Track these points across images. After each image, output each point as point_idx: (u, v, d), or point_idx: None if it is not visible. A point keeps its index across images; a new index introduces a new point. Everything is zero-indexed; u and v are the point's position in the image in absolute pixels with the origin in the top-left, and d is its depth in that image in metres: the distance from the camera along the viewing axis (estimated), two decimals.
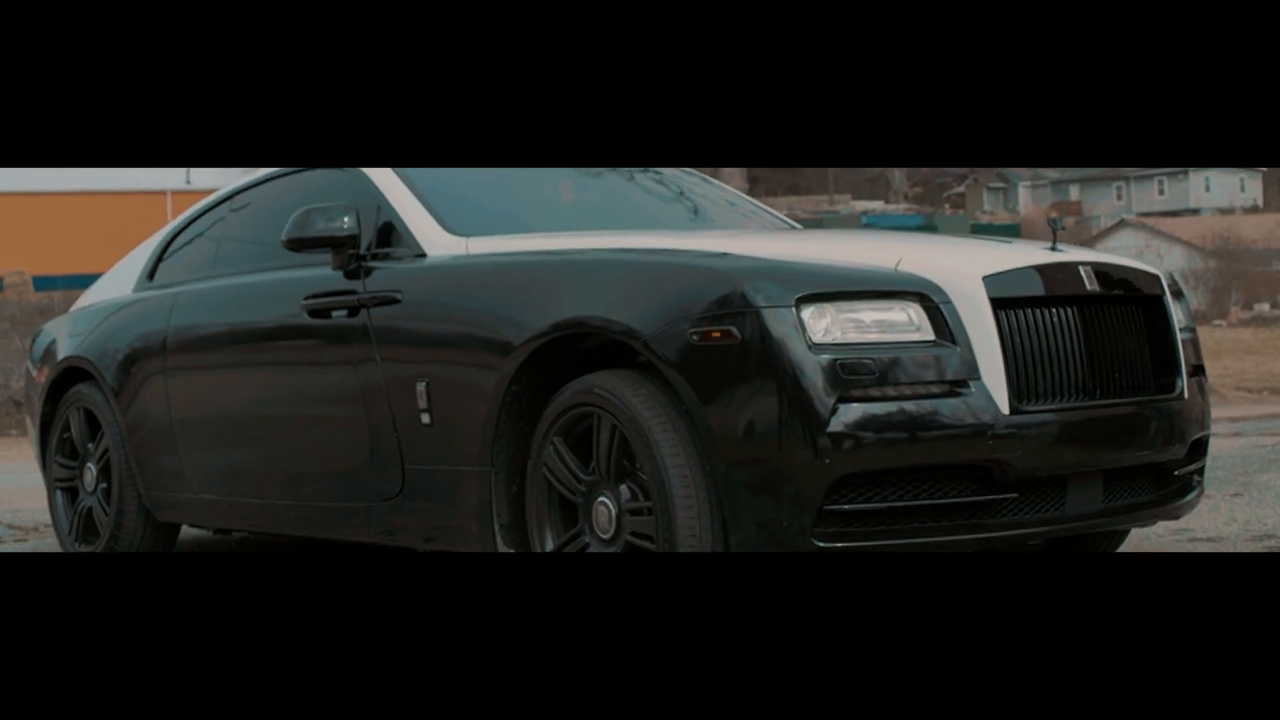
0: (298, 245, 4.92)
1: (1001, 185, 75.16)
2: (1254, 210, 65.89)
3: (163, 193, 27.13)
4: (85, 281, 7.74)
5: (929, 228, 43.24)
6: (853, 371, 3.84)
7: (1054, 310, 4.11)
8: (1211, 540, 5.73)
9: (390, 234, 4.94)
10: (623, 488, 4.12)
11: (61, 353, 6.37)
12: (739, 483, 3.88)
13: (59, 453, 6.34)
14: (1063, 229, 4.53)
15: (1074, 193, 73.13)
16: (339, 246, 4.89)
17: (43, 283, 22.29)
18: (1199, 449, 4.63)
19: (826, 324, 3.88)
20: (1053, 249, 4.30)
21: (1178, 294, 4.66)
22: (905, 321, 3.94)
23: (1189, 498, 4.57)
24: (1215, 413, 5.65)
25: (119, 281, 6.39)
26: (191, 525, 5.91)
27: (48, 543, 6.88)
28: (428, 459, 4.61)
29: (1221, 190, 68.91)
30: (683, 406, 3.98)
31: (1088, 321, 4.18)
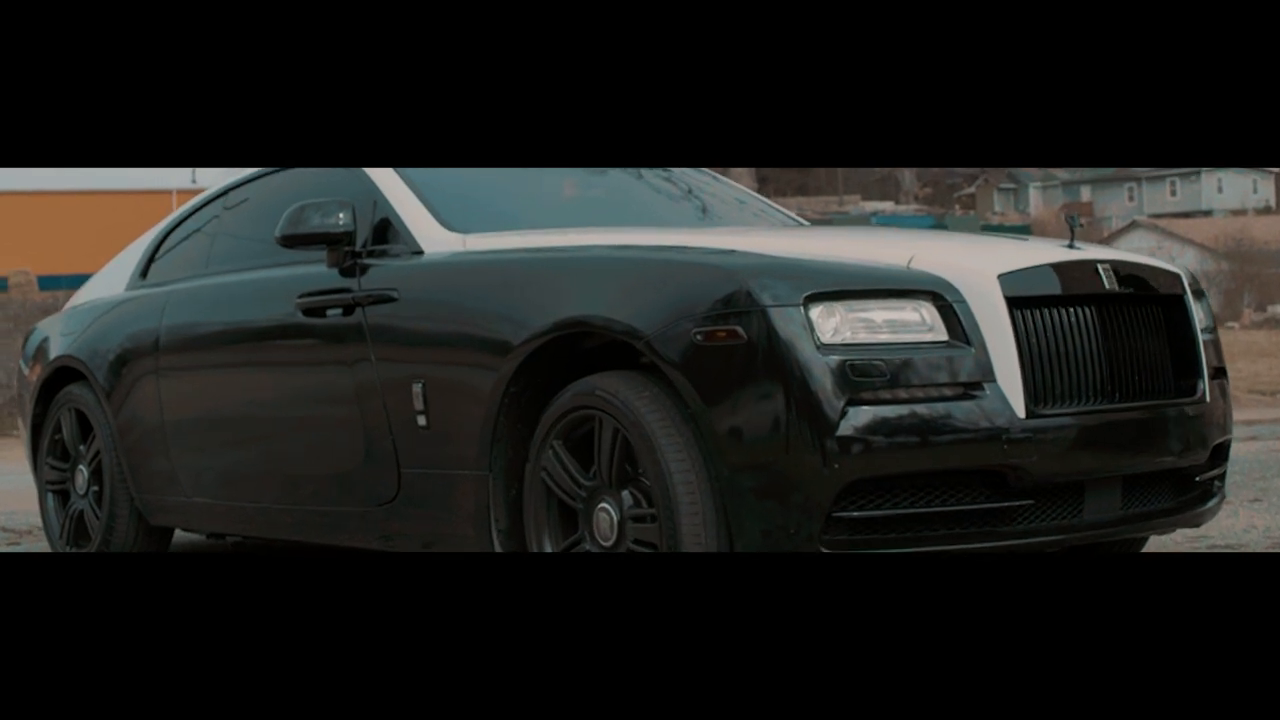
0: (292, 242, 4.82)
1: (1012, 186, 75.18)
2: (1266, 211, 65.83)
3: (168, 192, 27.08)
4: None
5: (939, 229, 43.14)
6: (863, 373, 3.74)
7: (1072, 310, 4.01)
8: (1230, 548, 5.63)
9: (387, 230, 4.84)
10: (625, 493, 4.02)
11: (53, 352, 6.29)
12: (745, 488, 3.78)
13: (50, 454, 6.25)
14: (1081, 226, 4.42)
15: (1085, 194, 73.09)
16: (334, 243, 4.79)
17: (47, 282, 22.30)
18: (1220, 454, 4.52)
19: (836, 324, 3.78)
20: (1071, 246, 4.21)
21: (1199, 294, 4.56)
22: (917, 321, 3.84)
23: (1210, 505, 4.46)
24: None
25: (112, 280, 6.30)
26: (184, 529, 5.81)
27: (41, 546, 6.79)
28: (424, 462, 4.52)
29: (1234, 192, 68.82)
30: (687, 409, 3.87)
31: (1107, 322, 4.08)
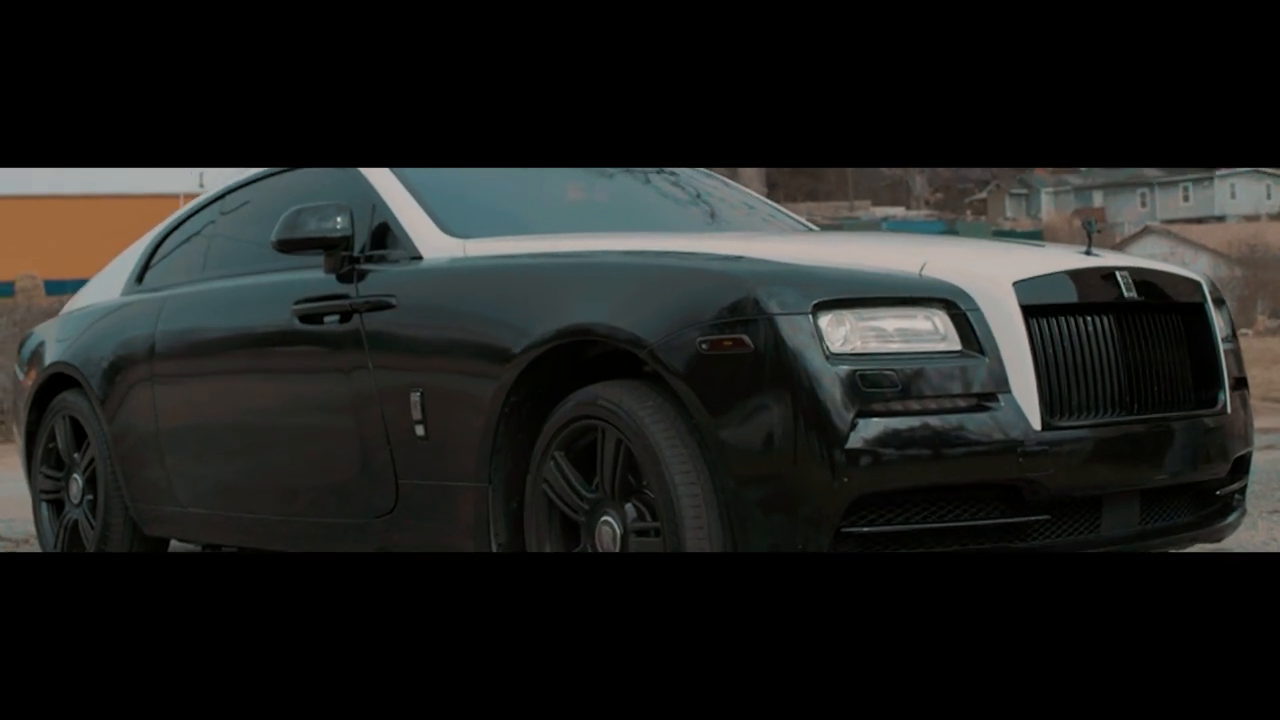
0: (288, 247, 4.73)
1: (1024, 191, 75.11)
2: None
3: (175, 196, 27.05)
4: None
5: (950, 234, 43.14)
6: (873, 384, 3.65)
7: (1089, 319, 3.93)
8: None
9: (385, 235, 4.75)
10: (628, 506, 3.93)
11: (48, 358, 6.21)
12: (751, 502, 3.69)
13: (44, 463, 6.17)
14: (1098, 230, 4.33)
15: (1097, 199, 73.00)
16: (331, 248, 4.70)
17: (54, 287, 22.25)
18: (1241, 467, 4.43)
19: (845, 332, 3.70)
20: (1087, 253, 4.14)
21: (1219, 301, 4.47)
22: (930, 330, 3.75)
23: (1230, 519, 4.38)
24: None
25: (108, 284, 6.23)
26: (180, 540, 5.73)
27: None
28: (422, 474, 4.43)
29: (1247, 197, 68.67)
30: (691, 420, 3.79)
31: (1125, 331, 3.99)
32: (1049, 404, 3.78)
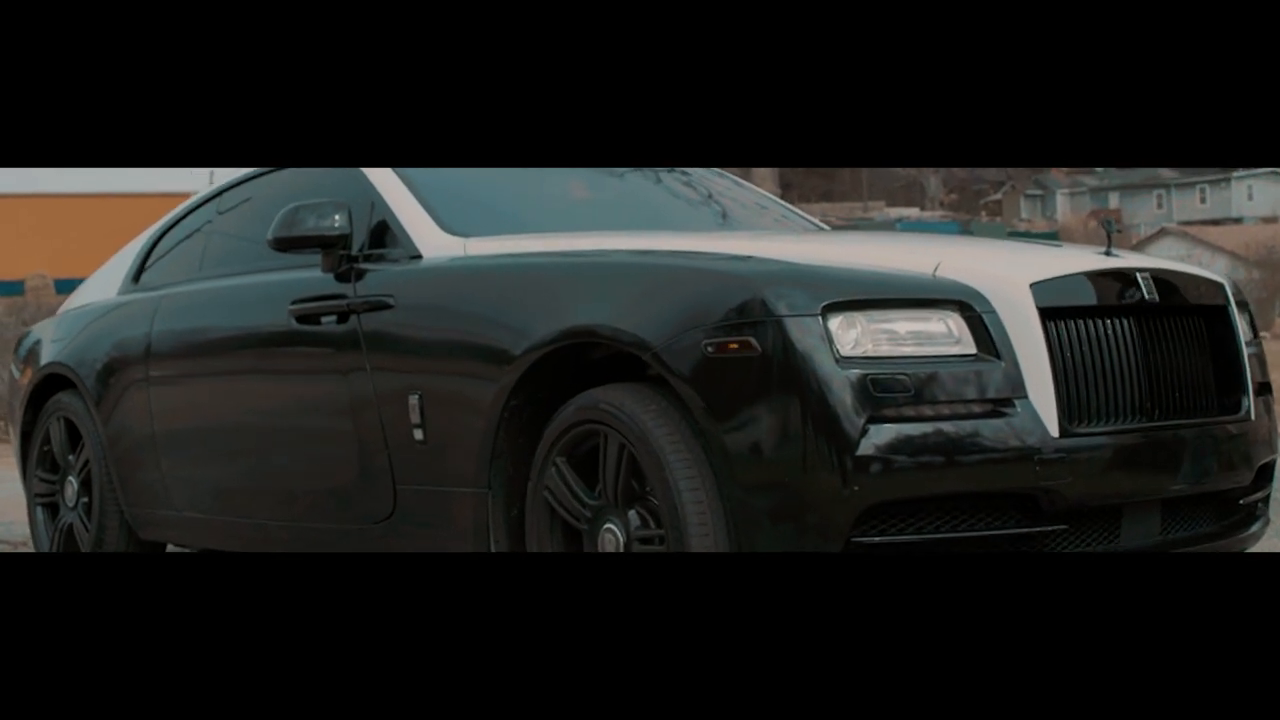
0: (285, 245, 4.64)
1: (1039, 192, 75.10)
2: None
3: (186, 195, 27.11)
4: None
5: (965, 234, 43.17)
6: (885, 388, 3.56)
7: (1109, 321, 3.85)
8: None
9: (384, 233, 4.66)
10: (631, 513, 3.84)
11: (43, 358, 6.13)
12: (758, 509, 3.60)
13: (40, 466, 6.09)
14: (1118, 231, 4.23)
15: (1113, 200, 72.95)
16: (329, 247, 4.60)
17: (65, 285, 22.24)
18: (1265, 475, 4.33)
19: (856, 335, 3.61)
20: (1107, 254, 4.05)
21: (1242, 305, 4.38)
22: (944, 333, 3.66)
23: (1254, 529, 4.28)
24: None
25: (105, 283, 6.15)
26: (176, 545, 5.64)
27: None
28: (420, 479, 4.34)
29: (1265, 198, 68.50)
30: (697, 425, 3.69)
31: (1146, 334, 3.91)
32: (1067, 410, 3.69)
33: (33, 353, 6.25)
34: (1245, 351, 4.19)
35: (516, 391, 4.07)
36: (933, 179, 67.92)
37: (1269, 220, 59.62)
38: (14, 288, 23.49)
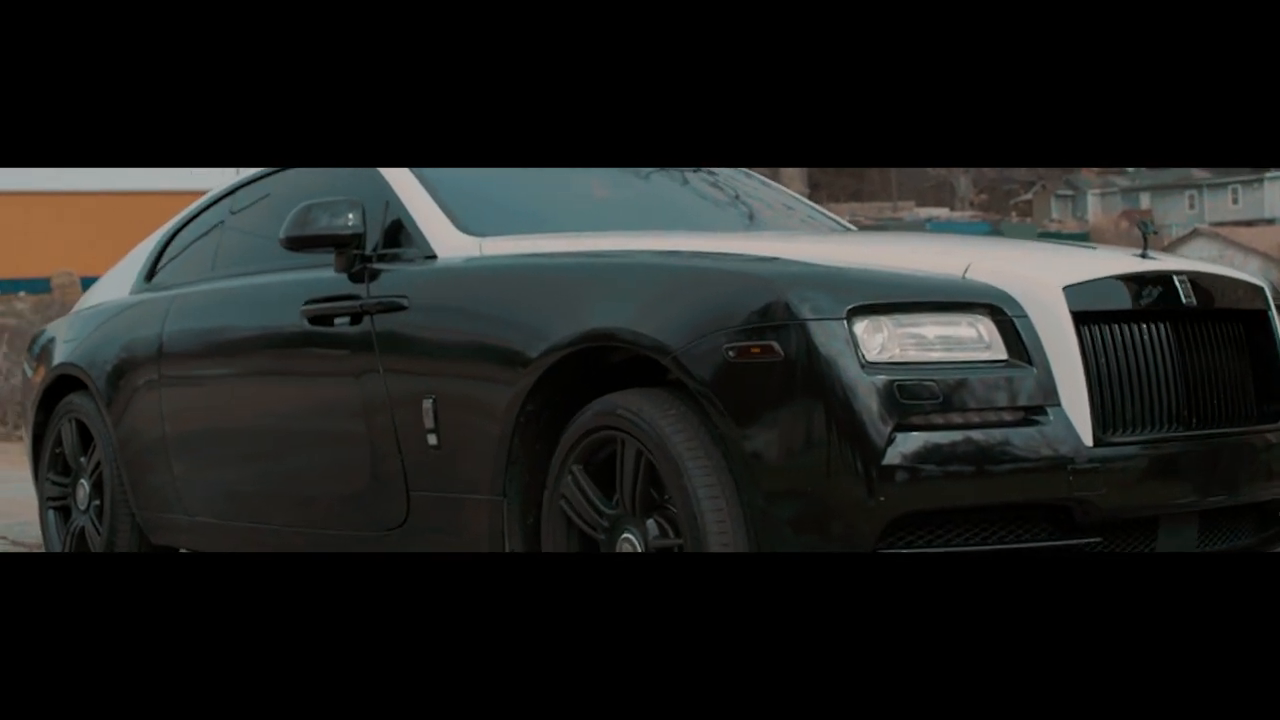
0: (297, 244, 4.56)
1: (1070, 193, 74.91)
2: None
3: None
4: None
5: (995, 235, 43.14)
6: (912, 395, 3.46)
7: (1145, 326, 3.76)
8: None
9: (399, 233, 4.59)
10: (649, 522, 3.75)
11: (56, 358, 6.07)
12: (780, 519, 3.52)
13: (51, 469, 6.03)
14: (1154, 233, 4.13)
15: (1145, 201, 72.73)
16: (342, 246, 4.52)
17: (91, 284, 22.35)
18: None
19: (883, 340, 3.52)
20: (1143, 256, 3.97)
21: None
22: (973, 338, 3.57)
23: None
24: None
25: (119, 282, 6.10)
26: (188, 549, 5.57)
27: None
28: (434, 485, 4.26)
29: None
30: (717, 431, 3.61)
31: (1183, 340, 3.82)
32: (1101, 418, 3.60)
33: (46, 352, 6.20)
34: None
35: (533, 396, 3.98)
36: (962, 179, 67.81)
37: None
38: (41, 285, 23.59)
